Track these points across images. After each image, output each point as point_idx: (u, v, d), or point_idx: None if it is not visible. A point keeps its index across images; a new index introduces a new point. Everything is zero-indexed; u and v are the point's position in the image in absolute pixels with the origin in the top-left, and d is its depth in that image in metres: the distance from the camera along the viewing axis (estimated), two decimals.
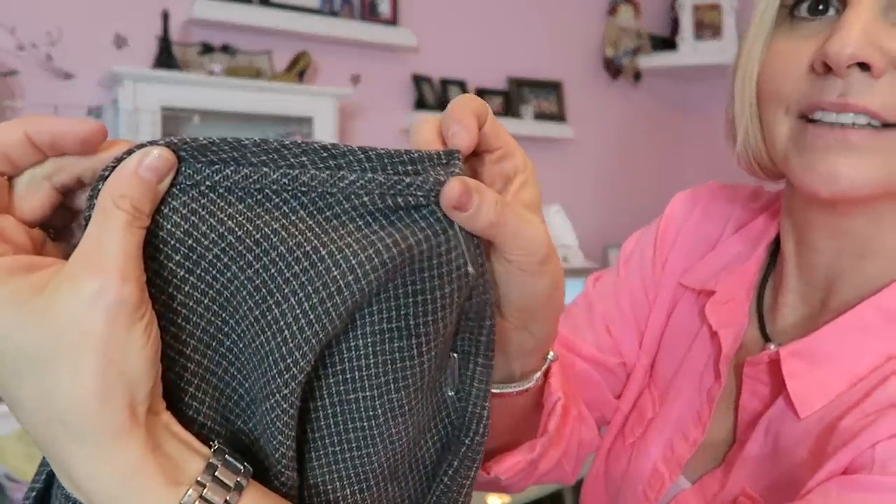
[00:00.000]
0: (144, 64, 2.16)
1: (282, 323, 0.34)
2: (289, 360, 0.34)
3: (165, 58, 2.12)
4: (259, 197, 0.34)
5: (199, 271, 0.34)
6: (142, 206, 0.32)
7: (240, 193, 0.34)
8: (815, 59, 0.49)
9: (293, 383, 0.35)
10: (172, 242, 0.33)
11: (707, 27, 3.05)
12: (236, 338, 0.36)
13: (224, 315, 0.35)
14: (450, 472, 0.41)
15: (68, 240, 0.37)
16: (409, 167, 0.35)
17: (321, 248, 0.34)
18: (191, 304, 0.35)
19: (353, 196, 0.34)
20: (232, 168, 0.34)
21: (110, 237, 0.31)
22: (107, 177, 0.32)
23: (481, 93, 2.80)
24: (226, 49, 2.28)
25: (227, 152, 0.33)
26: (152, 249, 0.33)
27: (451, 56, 2.80)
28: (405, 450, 0.40)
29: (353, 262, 0.34)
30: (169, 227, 0.33)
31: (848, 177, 0.48)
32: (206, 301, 0.35)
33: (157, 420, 0.32)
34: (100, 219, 0.31)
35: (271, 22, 2.31)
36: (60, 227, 0.37)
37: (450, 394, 0.41)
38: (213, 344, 0.36)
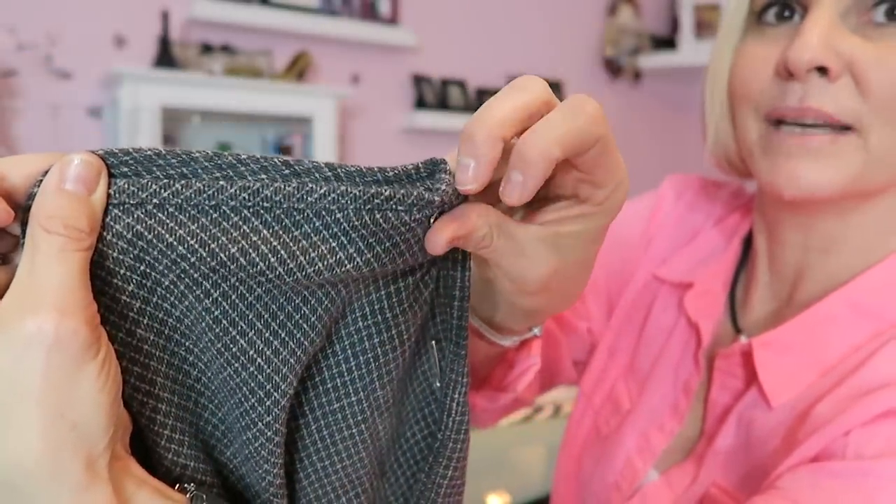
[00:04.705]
0: (144, 64, 2.17)
1: (251, 353, 0.32)
2: (268, 387, 0.32)
3: (165, 58, 2.14)
4: (214, 216, 0.29)
5: (155, 299, 0.31)
6: (77, 224, 0.27)
7: (192, 212, 0.29)
8: (779, 63, 0.51)
9: (276, 409, 0.32)
10: (122, 272, 0.30)
11: (707, 27, 3.05)
12: (203, 366, 0.33)
13: (187, 343, 0.32)
14: (426, 468, 0.39)
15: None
16: (385, 187, 0.31)
17: (288, 261, 0.30)
18: (152, 337, 0.32)
19: (324, 212, 0.30)
20: (182, 183, 0.29)
21: (43, 268, 0.26)
22: (34, 196, 0.28)
23: (481, 93, 2.81)
24: (226, 49, 2.29)
25: (176, 167, 0.29)
26: (100, 282, 0.30)
27: (451, 56, 2.81)
28: (390, 443, 0.39)
29: (321, 265, 0.30)
30: (115, 254, 0.29)
31: (809, 180, 0.50)
32: (166, 331, 0.32)
33: (122, 467, 0.28)
34: (30, 250, 0.27)
35: (271, 22, 2.32)
36: (6, 251, 0.31)
37: (437, 385, 0.39)
38: (180, 377, 0.33)
